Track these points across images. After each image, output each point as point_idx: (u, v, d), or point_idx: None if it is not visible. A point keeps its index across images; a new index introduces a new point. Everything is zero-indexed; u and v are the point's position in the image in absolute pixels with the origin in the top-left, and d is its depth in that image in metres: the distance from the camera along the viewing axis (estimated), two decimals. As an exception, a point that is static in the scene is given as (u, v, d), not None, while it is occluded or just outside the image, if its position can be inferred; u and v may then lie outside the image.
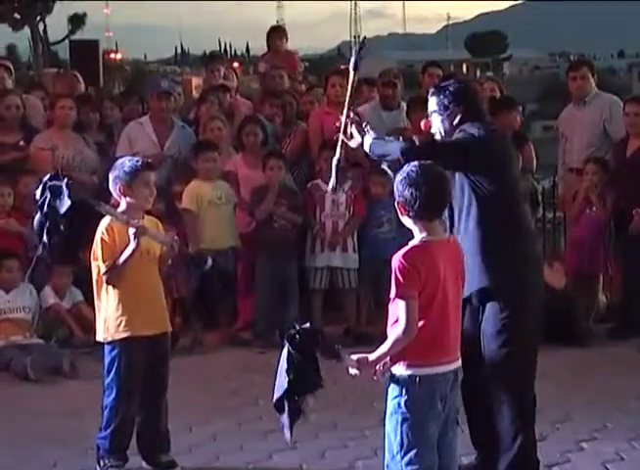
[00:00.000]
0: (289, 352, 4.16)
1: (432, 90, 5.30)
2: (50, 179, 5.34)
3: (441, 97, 5.18)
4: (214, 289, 7.69)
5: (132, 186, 5.39)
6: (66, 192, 5.25)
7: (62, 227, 5.26)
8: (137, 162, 5.49)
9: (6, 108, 8.89)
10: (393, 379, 4.21)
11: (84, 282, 8.03)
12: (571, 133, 9.06)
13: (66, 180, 5.31)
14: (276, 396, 4.25)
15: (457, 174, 5.02)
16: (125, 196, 5.42)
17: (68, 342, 8.07)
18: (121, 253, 5.31)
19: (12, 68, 10.45)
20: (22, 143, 8.87)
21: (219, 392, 7.00)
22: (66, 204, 5.23)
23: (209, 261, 5.62)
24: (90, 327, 7.99)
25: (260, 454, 5.74)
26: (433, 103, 5.23)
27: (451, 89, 5.18)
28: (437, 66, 10.07)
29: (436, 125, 5.23)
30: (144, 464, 5.52)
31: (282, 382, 4.21)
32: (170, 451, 5.55)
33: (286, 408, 4.25)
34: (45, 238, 5.35)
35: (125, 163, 5.47)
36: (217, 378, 7.38)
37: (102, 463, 5.45)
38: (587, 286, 8.68)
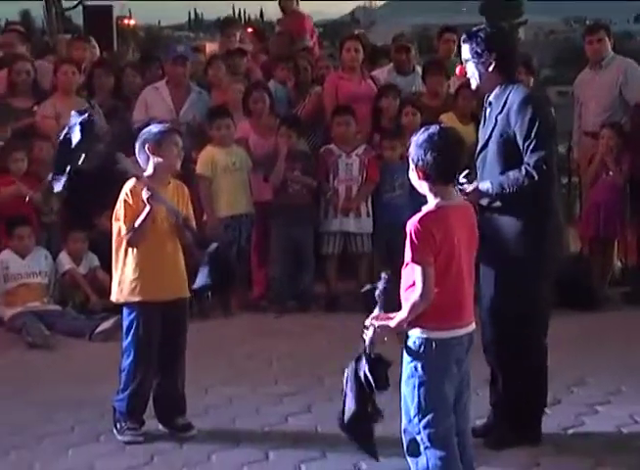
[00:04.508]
0: (362, 376, 4.23)
1: (463, 37, 5.25)
2: (75, 114, 5.40)
3: (473, 44, 5.13)
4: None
5: (162, 145, 5.39)
6: (79, 127, 5.27)
7: (75, 160, 5.31)
8: (165, 125, 5.54)
9: (16, 73, 8.89)
10: (409, 343, 4.22)
11: (100, 247, 8.10)
12: (586, 97, 9.01)
13: (84, 116, 5.33)
14: (346, 418, 4.33)
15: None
16: (154, 155, 5.39)
17: (85, 307, 8.11)
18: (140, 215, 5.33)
19: (26, 33, 10.45)
20: (35, 108, 8.87)
21: (235, 355, 7.04)
22: (76, 138, 5.26)
23: (213, 246, 5.59)
24: (106, 292, 8.04)
25: (275, 417, 5.77)
26: (465, 50, 5.19)
27: (482, 35, 5.13)
28: (453, 31, 10.02)
29: (471, 72, 5.20)
30: (160, 427, 5.55)
31: (350, 405, 4.28)
32: (186, 414, 5.57)
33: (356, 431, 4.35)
34: (55, 170, 5.39)
35: (152, 127, 5.49)
36: (233, 342, 7.42)
37: (118, 426, 5.48)
38: (603, 250, 8.66)
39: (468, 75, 5.24)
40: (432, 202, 4.25)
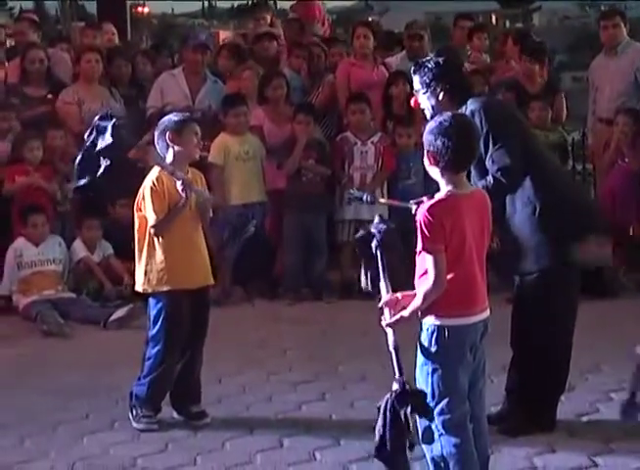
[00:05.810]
0: (403, 415, 4.11)
1: (412, 68, 5.31)
2: (100, 119, 5.42)
3: (422, 75, 5.18)
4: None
5: (182, 134, 5.40)
6: (110, 131, 5.29)
7: (99, 163, 5.33)
8: (185, 114, 5.61)
9: (30, 62, 8.89)
10: (423, 330, 4.21)
11: (114, 235, 8.13)
12: (602, 83, 8.97)
13: (113, 120, 5.36)
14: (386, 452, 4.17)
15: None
16: (174, 143, 5.40)
17: (99, 295, 8.12)
18: (169, 205, 5.32)
19: (39, 22, 10.47)
20: (49, 96, 8.89)
21: (248, 343, 7.04)
22: (106, 141, 5.28)
23: (252, 228, 5.59)
24: (119, 280, 8.09)
25: (290, 405, 5.76)
26: (416, 81, 5.24)
27: (430, 66, 5.17)
28: (469, 18, 10.01)
29: (424, 103, 5.22)
30: (174, 415, 5.55)
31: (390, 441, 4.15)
32: (201, 402, 5.57)
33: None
34: (79, 171, 5.43)
35: (172, 116, 5.52)
36: (246, 330, 7.42)
37: (134, 412, 5.46)
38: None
39: (421, 107, 5.26)
40: (443, 189, 4.24)
